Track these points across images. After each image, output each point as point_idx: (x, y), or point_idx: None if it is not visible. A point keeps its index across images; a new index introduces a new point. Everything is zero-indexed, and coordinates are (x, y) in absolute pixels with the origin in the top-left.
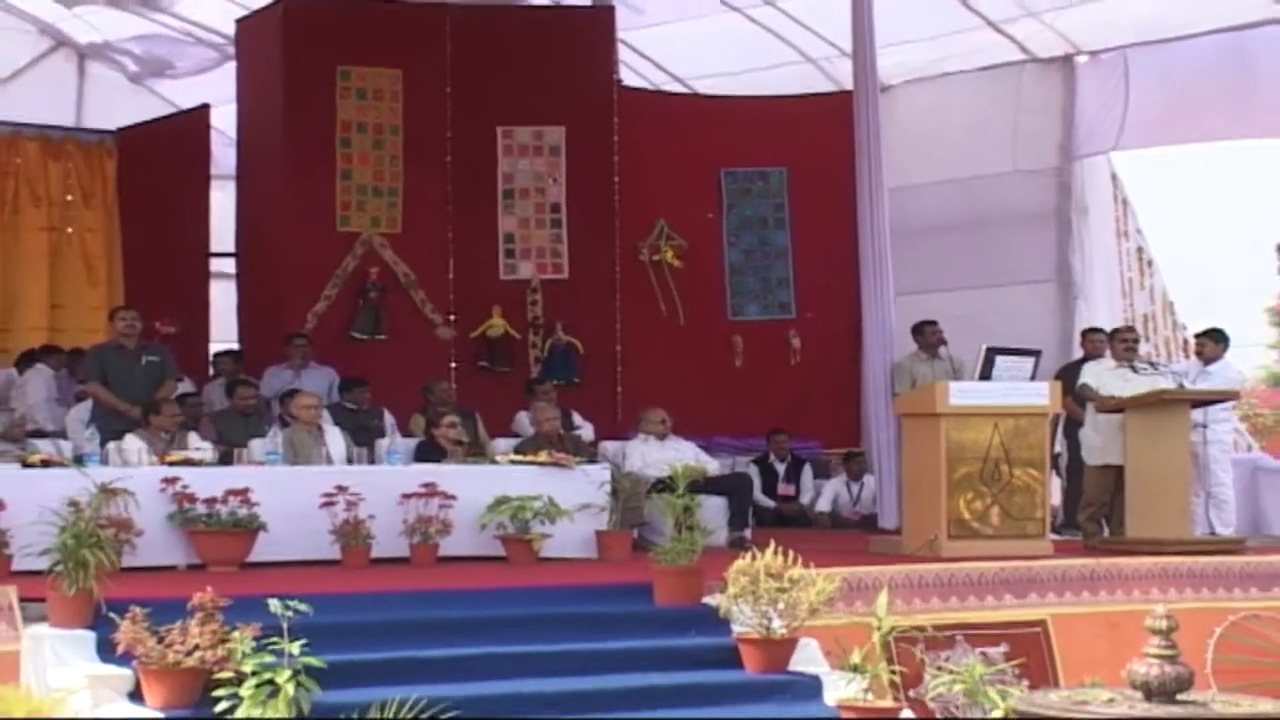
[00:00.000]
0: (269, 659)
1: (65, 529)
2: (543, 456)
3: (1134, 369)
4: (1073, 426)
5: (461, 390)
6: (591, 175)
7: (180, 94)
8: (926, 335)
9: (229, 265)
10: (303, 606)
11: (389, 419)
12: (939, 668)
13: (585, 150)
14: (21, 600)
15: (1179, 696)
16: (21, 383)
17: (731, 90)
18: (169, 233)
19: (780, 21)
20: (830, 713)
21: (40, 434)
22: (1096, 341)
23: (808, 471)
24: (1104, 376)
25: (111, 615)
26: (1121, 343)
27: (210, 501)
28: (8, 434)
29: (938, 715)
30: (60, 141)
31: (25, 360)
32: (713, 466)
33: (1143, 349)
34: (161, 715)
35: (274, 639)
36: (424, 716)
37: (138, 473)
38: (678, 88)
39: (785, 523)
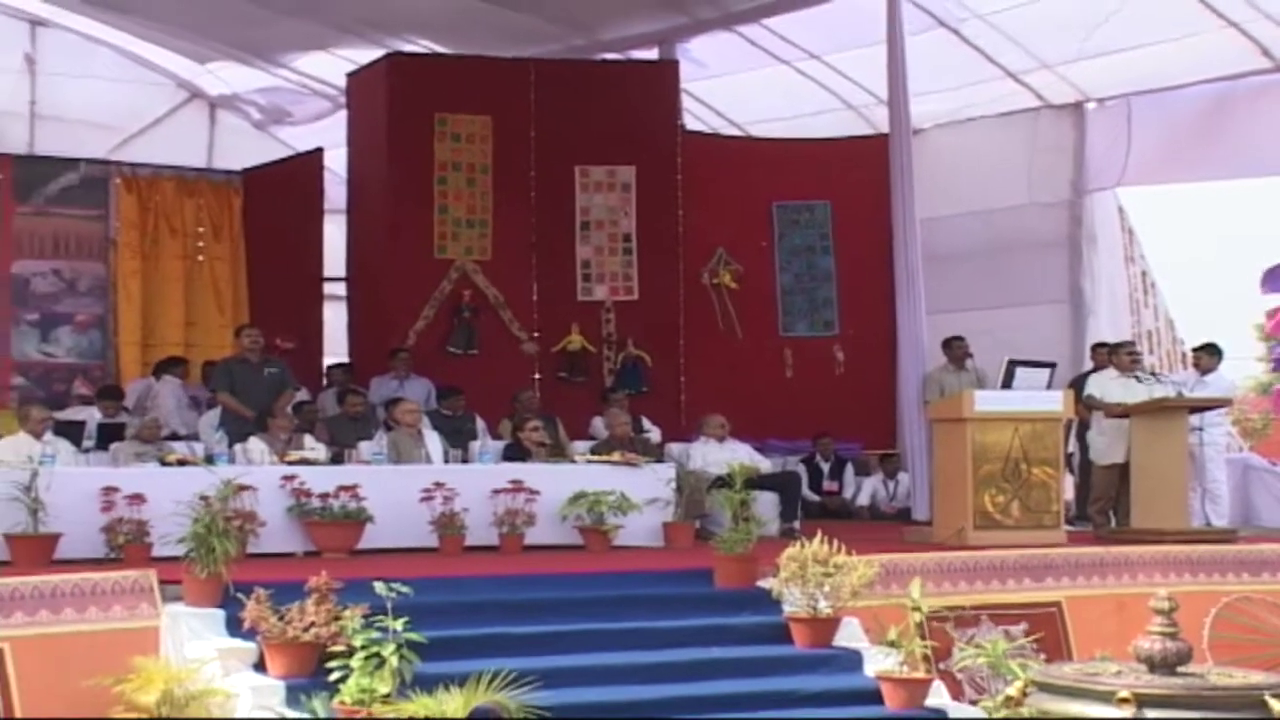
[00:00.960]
0: (376, 634)
1: (198, 520)
2: (616, 456)
3: (1137, 379)
4: (1084, 429)
5: (544, 398)
6: (658, 209)
7: (298, 139)
8: (954, 349)
9: (340, 289)
10: (405, 588)
11: (480, 424)
12: (966, 643)
13: (653, 187)
14: (161, 583)
15: (1179, 669)
16: (156, 392)
17: (782, 133)
18: (287, 260)
19: (825, 73)
20: (870, 683)
21: (175, 436)
22: (1105, 355)
23: (849, 470)
24: (1108, 386)
25: (238, 596)
26: (1129, 355)
27: (324, 496)
28: (140, 435)
29: (965, 685)
30: (194, 181)
31: (158, 370)
32: (766, 465)
33: (1146, 361)
34: (282, 683)
35: (380, 617)
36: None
37: (260, 471)
38: (734, 131)
39: (830, 515)
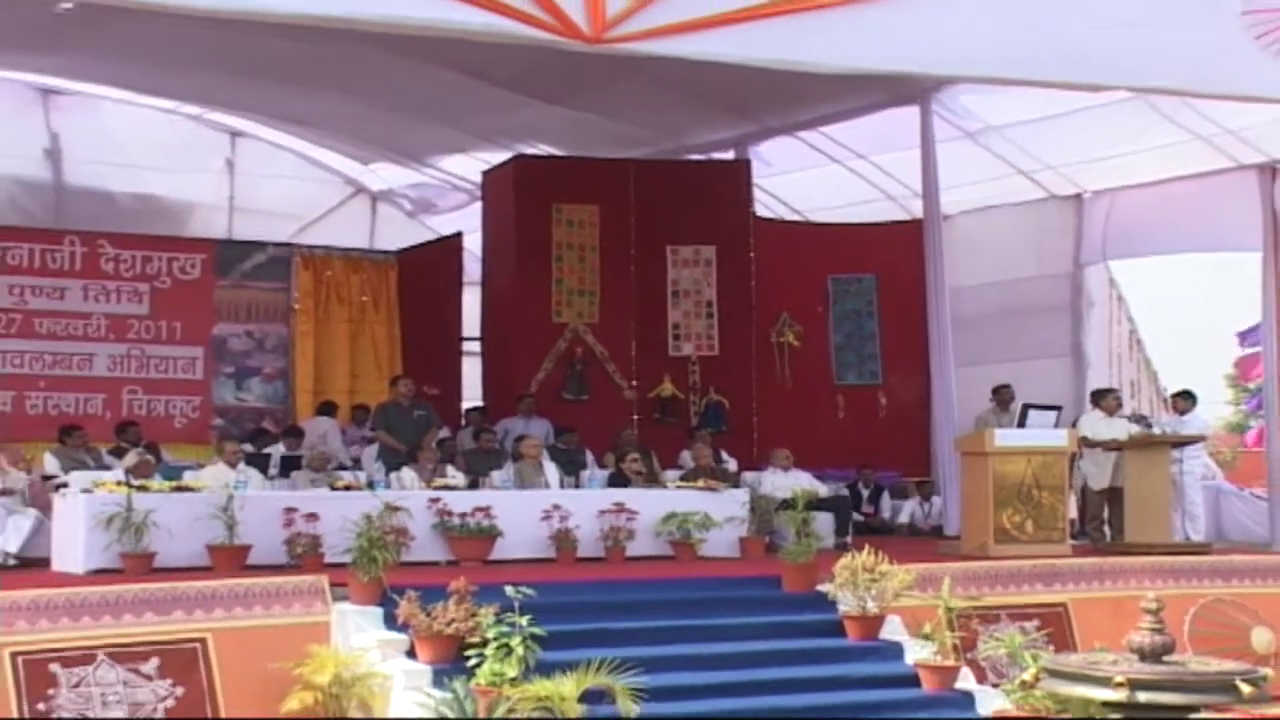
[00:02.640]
0: (505, 628)
1: (361, 534)
2: (700, 483)
3: (1127, 419)
4: (1083, 461)
5: (641, 435)
6: (734, 280)
7: (442, 225)
8: (1001, 395)
9: (475, 346)
10: (529, 591)
11: (590, 456)
12: (989, 637)
13: (730, 262)
14: (331, 585)
15: (1165, 659)
16: (324, 431)
17: (835, 219)
18: (433, 323)
19: (870, 170)
20: (910, 670)
21: (342, 466)
22: (1100, 401)
23: (885, 496)
24: (1096, 425)
25: (394, 596)
26: (1115, 400)
27: (462, 515)
28: (311, 465)
29: (988, 671)
30: (358, 260)
31: (318, 411)
32: (823, 490)
33: (1131, 406)
34: (429, 668)
35: (509, 614)
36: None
37: (411, 495)
38: (796, 217)
39: (874, 532)
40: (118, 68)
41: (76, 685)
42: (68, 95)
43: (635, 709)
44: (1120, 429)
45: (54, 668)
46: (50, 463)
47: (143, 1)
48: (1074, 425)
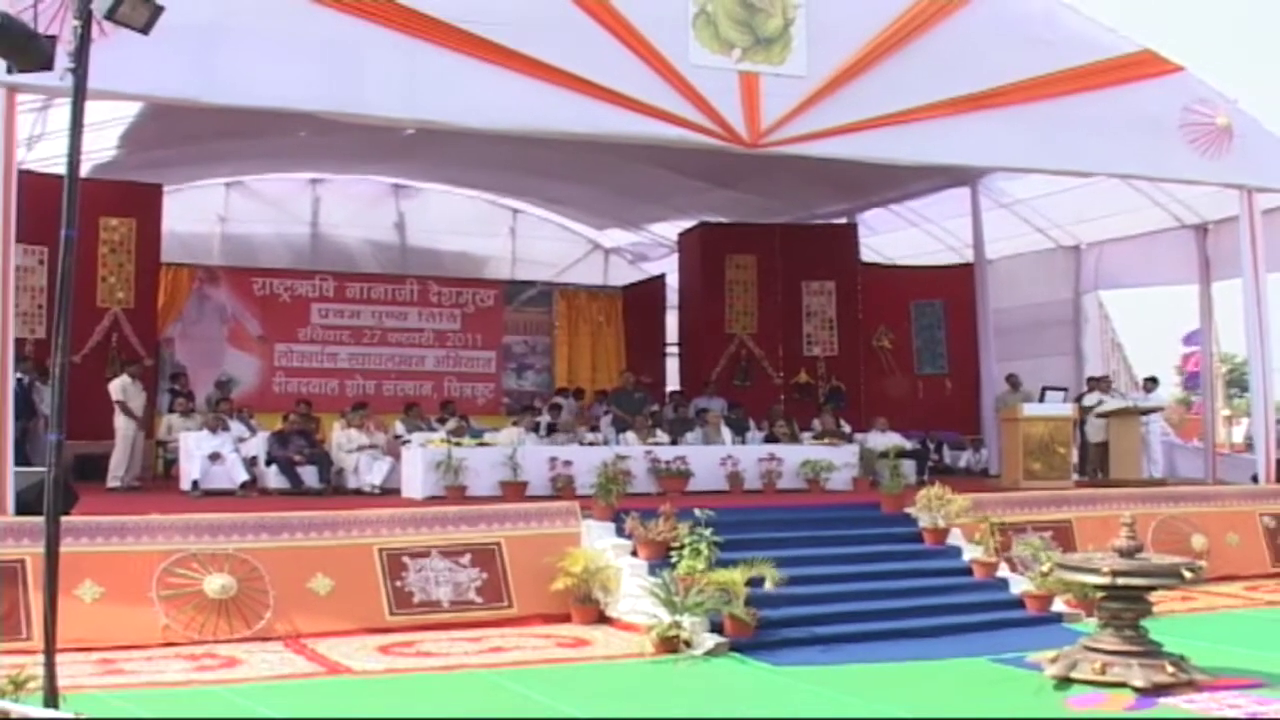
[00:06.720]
0: (696, 537)
1: (600, 475)
2: (826, 441)
3: (1117, 395)
4: (1083, 425)
5: (786, 409)
6: (848, 305)
7: (652, 269)
8: (1012, 380)
9: (674, 349)
10: (711, 512)
11: (751, 422)
12: (1019, 542)
13: (845, 293)
14: (581, 509)
15: (1135, 556)
16: (568, 408)
17: (915, 263)
18: (646, 335)
19: (938, 231)
20: (965, 565)
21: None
22: (1094, 383)
23: (945, 448)
24: (1100, 400)
25: (622, 515)
26: (1110, 384)
27: (667, 462)
28: (562, 429)
29: (1019, 565)
30: (595, 293)
31: (559, 394)
32: (908, 445)
33: (1114, 388)
34: (645, 563)
35: (699, 527)
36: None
37: (633, 449)
38: (889, 262)
39: (942, 473)
40: (440, 169)
41: (419, 571)
42: (410, 188)
43: (780, 589)
44: (1113, 403)
45: (405, 559)
46: (399, 427)
47: (458, 126)
48: (1075, 400)
